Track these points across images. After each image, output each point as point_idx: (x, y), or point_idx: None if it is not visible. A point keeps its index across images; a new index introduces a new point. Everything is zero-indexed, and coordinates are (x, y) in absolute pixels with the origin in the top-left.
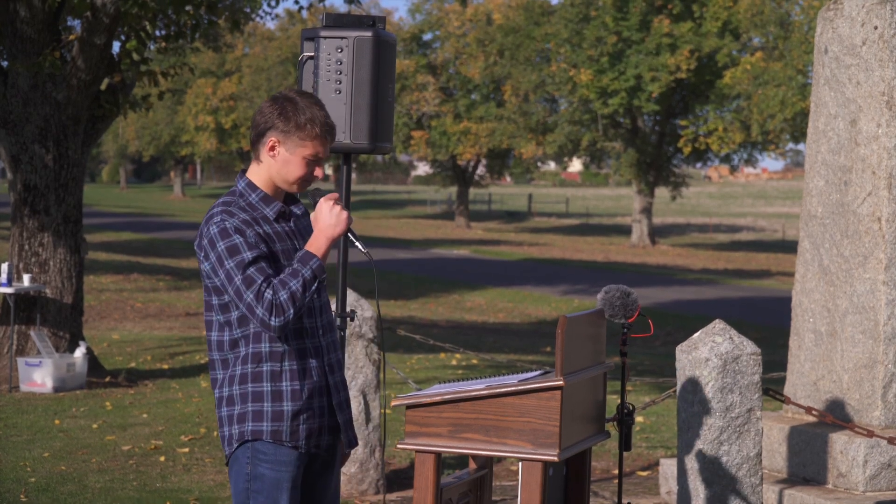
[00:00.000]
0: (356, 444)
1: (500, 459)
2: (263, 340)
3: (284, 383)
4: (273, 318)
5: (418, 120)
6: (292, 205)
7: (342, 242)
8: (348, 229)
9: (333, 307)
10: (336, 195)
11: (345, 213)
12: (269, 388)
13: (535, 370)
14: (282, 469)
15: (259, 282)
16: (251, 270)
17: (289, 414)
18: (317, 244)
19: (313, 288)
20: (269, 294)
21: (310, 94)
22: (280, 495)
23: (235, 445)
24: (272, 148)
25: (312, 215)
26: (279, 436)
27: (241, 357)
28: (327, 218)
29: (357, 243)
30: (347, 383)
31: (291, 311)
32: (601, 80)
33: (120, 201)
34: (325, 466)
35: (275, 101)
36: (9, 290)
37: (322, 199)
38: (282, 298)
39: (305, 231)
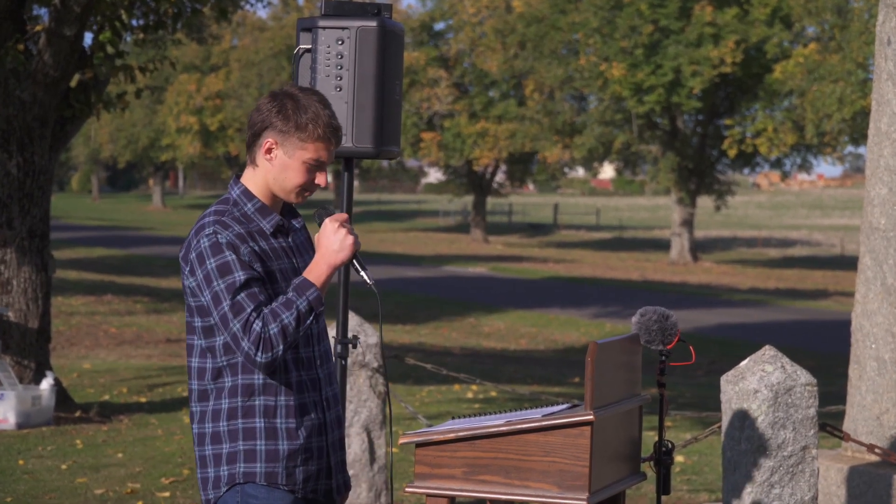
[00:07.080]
0: (350, 486)
1: None
2: (256, 372)
3: (280, 420)
4: (259, 354)
5: (429, 120)
6: (291, 218)
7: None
8: (354, 256)
9: (333, 332)
10: (345, 216)
11: (350, 239)
12: (263, 425)
13: (562, 403)
14: None
15: (249, 310)
16: (241, 296)
17: (285, 454)
18: (317, 271)
19: (308, 321)
20: (258, 326)
21: (313, 90)
22: None
23: (224, 489)
24: (269, 150)
25: (316, 236)
26: (274, 478)
27: (228, 389)
28: (331, 242)
29: (363, 273)
30: (349, 419)
31: (281, 346)
32: (635, 75)
33: (92, 213)
34: None
35: (274, 97)
36: None
37: (328, 220)
38: (272, 332)
39: (304, 247)
